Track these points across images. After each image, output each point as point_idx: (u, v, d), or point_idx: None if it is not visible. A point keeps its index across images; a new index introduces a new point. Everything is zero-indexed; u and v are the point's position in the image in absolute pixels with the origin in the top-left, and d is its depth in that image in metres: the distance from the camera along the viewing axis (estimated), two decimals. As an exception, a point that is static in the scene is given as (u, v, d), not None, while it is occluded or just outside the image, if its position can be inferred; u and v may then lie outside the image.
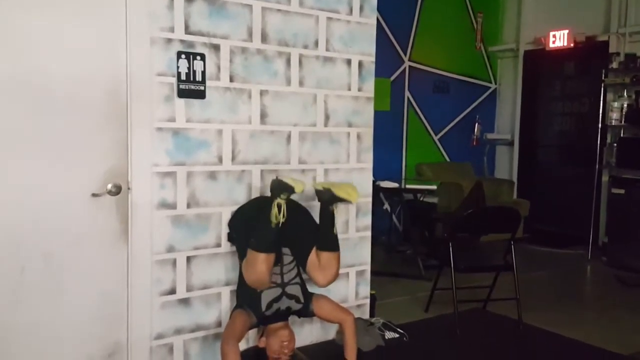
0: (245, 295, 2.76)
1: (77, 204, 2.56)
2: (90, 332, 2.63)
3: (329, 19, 3.24)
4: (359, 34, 3.37)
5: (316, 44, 3.21)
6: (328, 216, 2.77)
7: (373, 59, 3.45)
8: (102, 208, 2.62)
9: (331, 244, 2.78)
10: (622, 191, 5.37)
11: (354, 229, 3.46)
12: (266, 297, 2.72)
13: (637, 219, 5.22)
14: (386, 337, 3.34)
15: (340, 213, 3.37)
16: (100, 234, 2.63)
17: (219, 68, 2.90)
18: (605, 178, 5.90)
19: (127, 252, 2.69)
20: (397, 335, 3.37)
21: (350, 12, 3.33)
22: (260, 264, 2.57)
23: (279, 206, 2.57)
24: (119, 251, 2.68)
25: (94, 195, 2.59)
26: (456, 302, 3.64)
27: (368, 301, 3.58)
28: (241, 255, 2.80)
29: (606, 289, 4.82)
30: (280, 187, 2.59)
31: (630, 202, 5.30)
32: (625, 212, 5.36)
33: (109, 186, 2.60)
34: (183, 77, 2.77)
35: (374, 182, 3.90)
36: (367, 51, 3.42)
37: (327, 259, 2.75)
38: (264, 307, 2.71)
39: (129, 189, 2.66)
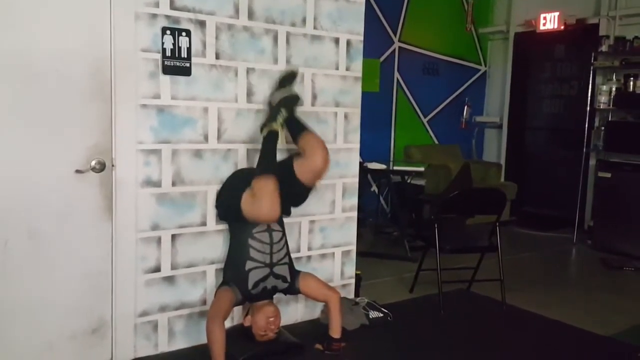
0: (233, 273, 2.77)
1: (61, 181, 2.54)
2: (74, 308, 2.63)
3: (318, -4, 3.20)
4: (347, 12, 3.34)
5: (304, 21, 3.17)
6: (293, 120, 2.93)
7: (361, 38, 3.42)
8: (86, 185, 2.60)
9: (301, 125, 2.93)
10: (609, 175, 5.41)
11: (340, 209, 3.46)
12: (254, 276, 2.73)
13: (623, 202, 5.26)
14: (370, 317, 3.36)
15: (327, 193, 3.38)
16: (84, 211, 2.61)
17: (204, 45, 2.86)
18: (592, 162, 5.95)
19: (111, 230, 2.68)
20: (381, 315, 3.40)
21: (339, -11, 3.30)
22: (269, 191, 2.60)
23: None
24: (104, 228, 2.66)
25: (77, 171, 2.56)
26: (441, 283, 3.67)
27: (353, 281, 3.60)
28: (232, 224, 2.84)
29: (590, 272, 4.89)
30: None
31: (616, 185, 5.34)
32: (611, 195, 5.40)
33: (93, 163, 2.58)
34: (168, 53, 2.73)
35: (361, 163, 3.90)
36: (355, 30, 3.39)
37: (307, 144, 2.86)
38: (250, 285, 2.72)
39: (113, 166, 2.64)
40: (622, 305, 3.92)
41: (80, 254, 2.62)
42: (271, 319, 2.76)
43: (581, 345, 3.24)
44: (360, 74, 3.44)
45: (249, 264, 2.73)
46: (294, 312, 3.33)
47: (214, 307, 2.68)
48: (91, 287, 2.67)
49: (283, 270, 2.82)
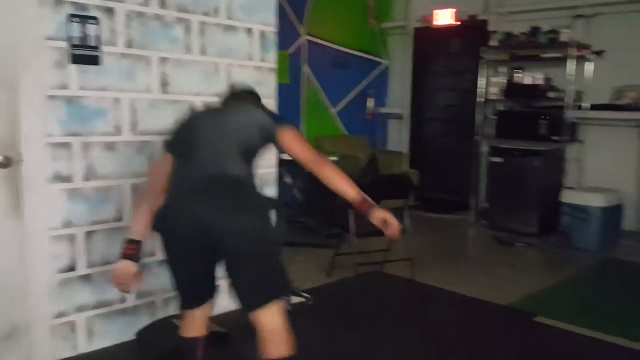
0: None
1: (-40, 178, 2.36)
2: (-19, 315, 2.47)
3: (230, -13, 3.21)
4: (259, 3, 3.37)
5: (217, 11, 3.16)
6: None
7: (274, 29, 3.47)
8: (-10, 182, 2.44)
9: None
10: (500, 160, 5.84)
11: (259, 198, 3.50)
12: None
13: (513, 185, 5.70)
14: (292, 302, 3.44)
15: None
16: (-11, 209, 2.45)
17: (115, 33, 2.77)
18: (485, 148, 6.40)
19: (21, 229, 2.53)
20: (302, 300, 3.49)
21: (251, -19, 3.32)
22: None
23: None
24: (13, 227, 2.51)
25: (-20, 168, 2.40)
26: (356, 266, 3.83)
27: (273, 269, 3.66)
28: None
29: (487, 249, 5.30)
30: None
31: (507, 170, 5.77)
32: (503, 179, 5.83)
33: (-2, 158, 2.43)
34: (76, 42, 2.61)
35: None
36: (267, 21, 3.43)
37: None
38: None
39: (20, 161, 2.49)
40: (516, 278, 4.30)
41: (-14, 255, 2.46)
42: None
43: (484, 315, 3.53)
44: (274, 66, 3.49)
45: None
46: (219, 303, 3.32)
47: None
48: (1, 290, 2.51)
49: None
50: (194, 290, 2.20)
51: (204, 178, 2.09)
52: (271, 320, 2.08)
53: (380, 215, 2.04)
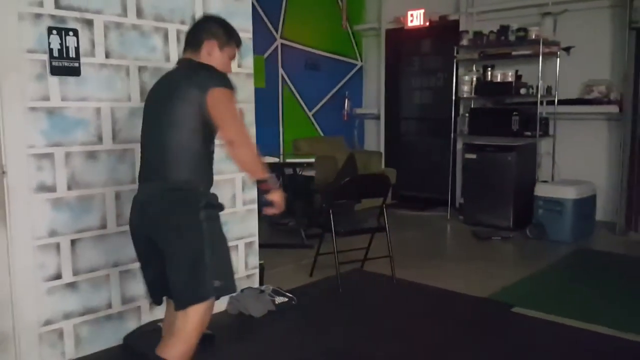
0: None
1: (-57, 192, 2.38)
2: (-31, 326, 2.49)
3: (205, -6, 3.27)
4: (235, 10, 3.43)
5: (193, 19, 3.21)
6: None
7: (250, 35, 3.54)
8: (-26, 194, 2.47)
9: None
10: (474, 156, 5.96)
11: (241, 202, 3.57)
12: None
13: (488, 180, 5.84)
14: (276, 302, 3.52)
15: (227, 187, 3.47)
16: (-27, 222, 2.47)
17: (93, 44, 2.81)
18: (459, 145, 6.54)
19: (6, 239, 2.56)
20: (286, 300, 3.57)
21: (226, -12, 3.39)
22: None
23: None
24: (-2, 238, 2.54)
25: (-37, 181, 2.43)
26: (337, 265, 3.92)
27: (257, 271, 3.73)
28: None
29: (464, 244, 5.43)
30: None
31: (481, 165, 5.90)
32: (477, 175, 5.96)
33: (-19, 170, 2.45)
34: (55, 53, 2.65)
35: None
36: (244, 27, 3.48)
37: None
38: None
39: (3, 172, 2.52)
40: (493, 270, 4.43)
41: (-29, 267, 2.49)
42: None
43: (463, 307, 3.65)
44: (251, 70, 3.57)
45: None
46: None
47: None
48: (-13, 300, 2.54)
49: None
50: (151, 284, 2.22)
51: (144, 157, 2.20)
52: (182, 321, 2.03)
53: (271, 196, 2.18)
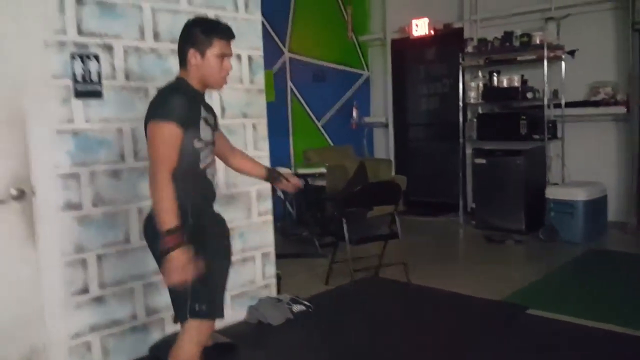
0: None
1: (-23, 213, 2.51)
2: (4, 337, 2.60)
3: (217, 16, 3.38)
4: (246, 29, 3.56)
5: (207, 40, 3.34)
6: None
7: (261, 52, 3.66)
8: (7, 213, 2.59)
9: None
10: (483, 161, 6.04)
11: (257, 213, 3.67)
12: None
13: (498, 184, 5.90)
14: (294, 310, 3.61)
15: (243, 199, 3.57)
16: (7, 239, 2.60)
17: (114, 67, 2.94)
18: (469, 150, 6.61)
19: (36, 256, 2.68)
20: (304, 308, 3.66)
21: (236, 9, 3.51)
22: None
23: None
24: (29, 255, 2.66)
25: (-2, 201, 2.55)
26: (352, 272, 4.00)
27: (274, 280, 3.83)
28: None
29: (477, 248, 5.48)
30: None
31: (491, 170, 5.97)
32: (488, 179, 6.03)
33: (12, 191, 2.57)
34: (79, 78, 2.78)
35: (269, 169, 4.09)
36: (255, 45, 3.62)
37: None
38: None
39: (32, 192, 2.65)
40: (506, 273, 4.49)
41: (7, 281, 2.60)
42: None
43: (478, 311, 3.71)
44: (263, 87, 3.68)
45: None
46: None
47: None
48: (21, 314, 2.65)
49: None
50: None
51: None
52: (181, 331, 2.14)
53: (168, 262, 1.94)
